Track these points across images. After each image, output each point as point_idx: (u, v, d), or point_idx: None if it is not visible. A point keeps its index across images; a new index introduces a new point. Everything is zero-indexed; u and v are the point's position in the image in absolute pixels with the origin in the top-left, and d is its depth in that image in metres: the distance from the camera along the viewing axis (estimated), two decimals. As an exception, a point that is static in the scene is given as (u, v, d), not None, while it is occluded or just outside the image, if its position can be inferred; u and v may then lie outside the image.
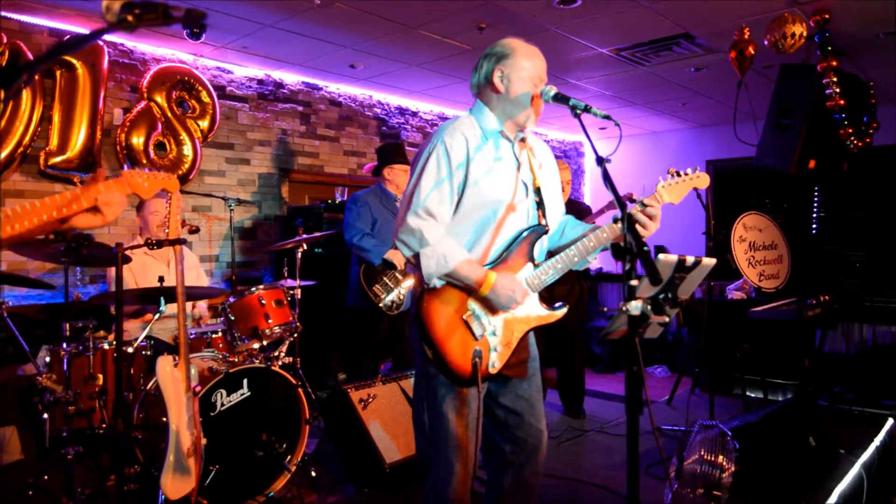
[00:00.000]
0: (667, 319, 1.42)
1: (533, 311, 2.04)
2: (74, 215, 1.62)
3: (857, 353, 5.47)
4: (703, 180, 2.11)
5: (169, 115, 4.83)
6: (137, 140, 4.65)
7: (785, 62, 4.21)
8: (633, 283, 1.35)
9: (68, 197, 1.60)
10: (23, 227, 1.49)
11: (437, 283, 1.93)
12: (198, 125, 5.02)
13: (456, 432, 1.98)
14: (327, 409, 3.49)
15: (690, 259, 1.56)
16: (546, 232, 2.06)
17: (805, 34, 3.89)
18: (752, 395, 5.13)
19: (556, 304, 2.08)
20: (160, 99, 4.79)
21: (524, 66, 2.01)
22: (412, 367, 3.50)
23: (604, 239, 2.00)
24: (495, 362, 1.98)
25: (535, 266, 2.02)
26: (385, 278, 4.05)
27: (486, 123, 2.04)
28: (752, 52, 3.91)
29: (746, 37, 3.96)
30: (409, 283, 4.09)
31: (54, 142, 4.30)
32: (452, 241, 1.94)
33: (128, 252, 2.94)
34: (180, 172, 4.87)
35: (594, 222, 4.13)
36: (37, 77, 4.15)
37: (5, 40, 3.96)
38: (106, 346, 3.23)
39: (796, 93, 4.03)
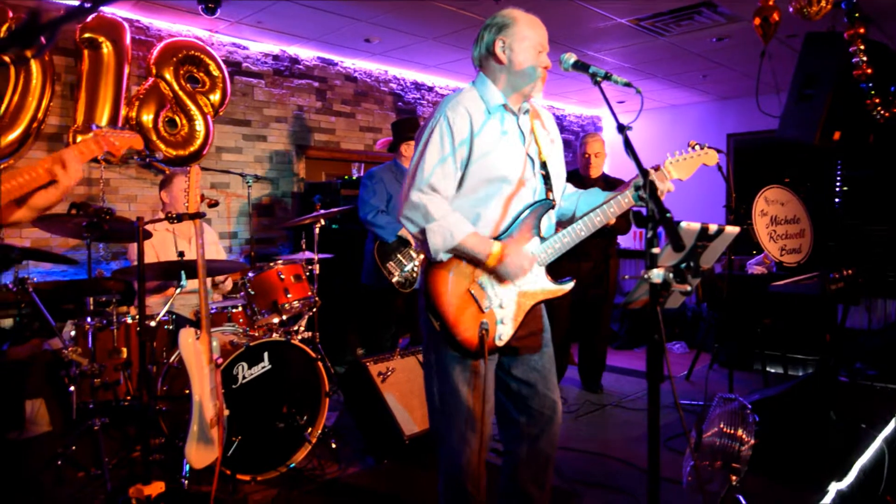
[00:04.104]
0: (689, 288, 1.41)
1: (540, 285, 2.03)
2: (33, 194, 1.67)
3: (880, 328, 5.41)
4: (710, 157, 2.12)
5: (178, 90, 4.81)
6: (147, 117, 4.65)
7: (810, 30, 4.09)
8: (655, 250, 1.34)
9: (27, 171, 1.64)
10: None
11: (444, 256, 1.93)
12: (208, 99, 5.00)
13: (468, 404, 1.99)
14: (346, 382, 3.53)
15: (713, 227, 1.54)
16: (553, 207, 2.05)
17: (831, 0, 3.77)
18: (773, 371, 5.09)
19: (563, 279, 2.07)
20: (168, 75, 4.77)
21: (526, 35, 1.97)
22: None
23: (611, 214, 2.00)
24: (502, 335, 1.98)
25: (542, 240, 2.02)
26: (399, 255, 4.06)
27: (490, 97, 2.00)
28: (777, 18, 3.80)
29: (771, 3, 3.85)
30: (422, 258, 4.10)
31: (80, 119, 4.36)
32: (458, 215, 1.93)
33: (149, 228, 2.97)
34: (193, 148, 4.87)
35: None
36: (46, 57, 4.16)
37: (11, 15, 3.97)
38: (129, 321, 3.28)
39: (821, 62, 3.92)
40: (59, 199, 1.77)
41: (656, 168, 2.07)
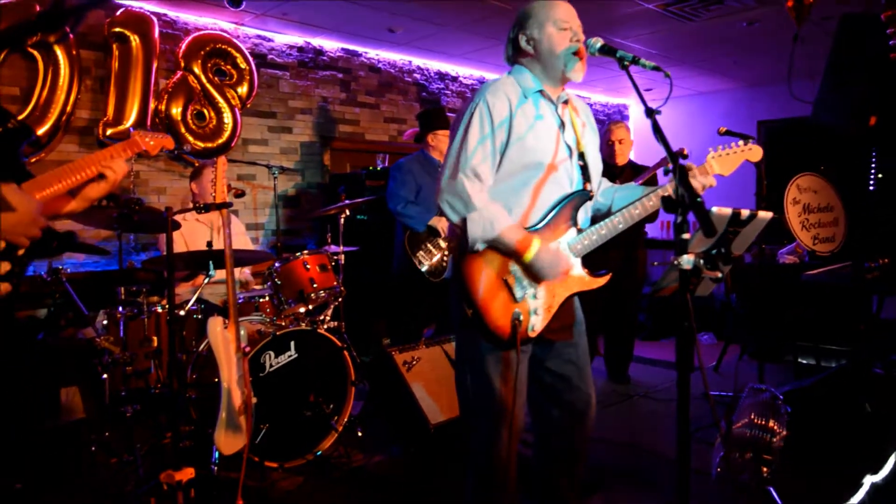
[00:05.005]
0: (719, 275, 1.38)
1: (575, 276, 2.01)
2: (85, 185, 1.92)
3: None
4: (755, 153, 2.14)
5: (206, 83, 4.84)
6: (176, 110, 4.70)
7: (846, 12, 3.97)
8: (685, 236, 1.31)
9: (80, 164, 1.88)
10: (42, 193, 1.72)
11: (480, 246, 1.92)
12: (236, 92, 5.03)
13: (500, 395, 1.98)
14: (372, 371, 3.55)
15: (745, 212, 1.50)
16: (590, 198, 2.03)
17: (868, -20, 3.66)
18: (804, 362, 4.99)
19: (600, 272, 2.05)
20: (196, 68, 4.80)
21: (545, 18, 1.97)
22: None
23: (650, 207, 1.98)
24: (535, 325, 1.96)
25: (579, 231, 2.00)
26: (429, 245, 4.06)
27: (526, 83, 2.00)
28: (811, 0, 3.70)
29: (805, -16, 3.74)
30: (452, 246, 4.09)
31: (110, 113, 4.42)
32: (498, 206, 1.92)
33: (178, 218, 3.01)
34: (221, 140, 4.92)
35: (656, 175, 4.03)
36: (73, 52, 4.23)
37: (38, 9, 4.03)
38: (159, 310, 3.33)
39: (857, 44, 3.81)
40: (108, 191, 1.99)
41: (680, 151, 2.04)
